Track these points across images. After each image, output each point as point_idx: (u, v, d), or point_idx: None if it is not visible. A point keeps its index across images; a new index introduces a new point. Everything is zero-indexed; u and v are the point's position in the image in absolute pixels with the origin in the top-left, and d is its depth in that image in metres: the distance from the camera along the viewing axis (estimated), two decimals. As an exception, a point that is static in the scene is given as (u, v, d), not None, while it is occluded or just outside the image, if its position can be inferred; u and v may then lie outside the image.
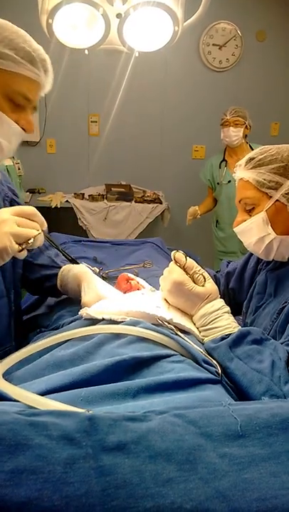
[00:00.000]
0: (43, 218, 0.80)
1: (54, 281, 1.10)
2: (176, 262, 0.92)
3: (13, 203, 1.02)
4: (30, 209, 0.79)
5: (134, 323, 0.76)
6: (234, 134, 2.75)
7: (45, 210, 3.28)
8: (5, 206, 0.96)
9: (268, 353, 0.74)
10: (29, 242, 0.75)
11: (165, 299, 0.94)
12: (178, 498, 0.34)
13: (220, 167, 2.96)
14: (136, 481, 0.35)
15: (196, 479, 0.36)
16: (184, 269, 0.91)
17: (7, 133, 0.85)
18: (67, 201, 3.45)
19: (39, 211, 0.81)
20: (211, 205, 3.12)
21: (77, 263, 1.12)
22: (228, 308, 0.90)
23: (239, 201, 1.03)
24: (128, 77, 3.25)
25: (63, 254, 1.11)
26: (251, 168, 0.99)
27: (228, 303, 1.20)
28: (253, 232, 0.98)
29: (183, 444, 0.38)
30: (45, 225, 0.81)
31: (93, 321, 0.81)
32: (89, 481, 0.34)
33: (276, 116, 3.93)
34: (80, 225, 3.39)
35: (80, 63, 3.39)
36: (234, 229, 1.05)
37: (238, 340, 0.78)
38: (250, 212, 1.00)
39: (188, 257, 0.92)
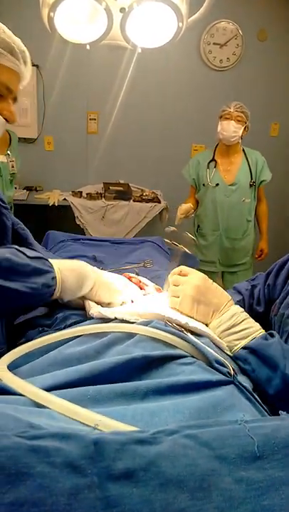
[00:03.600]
0: None
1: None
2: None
3: None
4: None
5: (145, 324, 0.74)
6: (234, 130, 2.48)
7: (42, 208, 3.30)
8: None
9: None
10: None
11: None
12: None
13: (208, 167, 2.68)
14: None
15: (210, 508, 0.33)
16: None
17: None
18: (64, 199, 3.41)
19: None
20: (193, 207, 2.82)
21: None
22: None
23: None
24: (128, 76, 3.22)
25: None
26: None
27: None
28: None
29: (196, 469, 0.36)
30: None
31: (104, 321, 0.79)
32: None
33: (276, 116, 3.92)
34: (78, 223, 3.35)
35: (81, 59, 3.35)
36: None
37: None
38: None
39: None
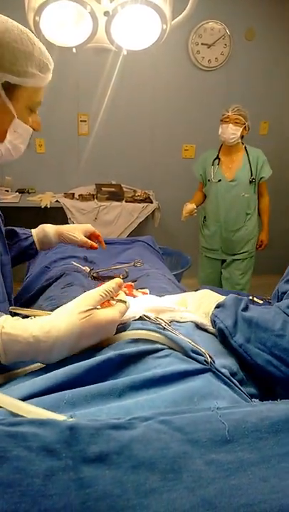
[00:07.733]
0: None
1: (34, 247, 1.28)
2: None
3: None
4: None
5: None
6: (232, 132, 2.72)
7: (35, 210, 3.30)
8: None
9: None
10: None
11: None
12: (160, 509, 0.33)
13: (212, 164, 2.93)
14: (117, 492, 0.34)
15: (180, 488, 0.35)
16: None
17: (26, 138, 0.97)
18: (57, 201, 3.42)
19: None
20: (201, 200, 3.09)
21: None
22: None
23: None
24: (117, 76, 3.23)
25: None
26: None
27: None
28: None
29: (167, 452, 0.37)
30: None
31: None
32: (68, 493, 0.33)
33: (265, 115, 3.95)
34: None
35: (69, 62, 3.36)
36: None
37: None
38: None
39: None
